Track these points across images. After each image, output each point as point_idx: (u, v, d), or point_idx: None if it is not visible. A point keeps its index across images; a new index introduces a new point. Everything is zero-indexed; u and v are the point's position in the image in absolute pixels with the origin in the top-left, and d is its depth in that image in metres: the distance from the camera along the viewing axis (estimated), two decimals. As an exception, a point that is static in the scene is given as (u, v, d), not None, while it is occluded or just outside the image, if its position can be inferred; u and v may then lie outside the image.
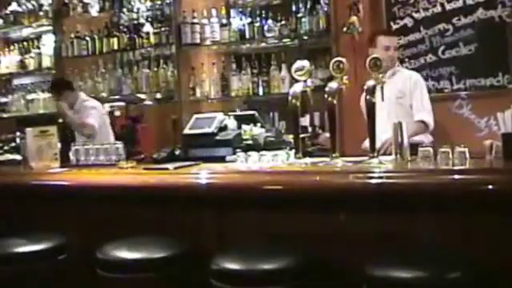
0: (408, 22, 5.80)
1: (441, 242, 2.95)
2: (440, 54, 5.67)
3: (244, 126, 4.43)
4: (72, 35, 7.23)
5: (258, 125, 4.59)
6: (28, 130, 4.46)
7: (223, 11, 6.50)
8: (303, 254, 3.05)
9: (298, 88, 3.78)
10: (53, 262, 3.59)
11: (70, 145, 4.47)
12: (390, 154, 3.61)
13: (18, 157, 4.74)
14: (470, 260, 2.75)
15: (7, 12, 7.74)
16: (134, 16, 6.94)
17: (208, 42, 6.50)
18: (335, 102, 3.64)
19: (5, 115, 7.91)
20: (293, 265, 2.96)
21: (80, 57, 7.22)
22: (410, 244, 2.99)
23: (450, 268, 2.67)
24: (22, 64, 7.79)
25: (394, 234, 3.02)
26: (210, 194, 3.53)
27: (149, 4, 6.88)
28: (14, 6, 7.69)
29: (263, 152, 3.91)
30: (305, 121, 5.60)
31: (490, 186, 2.86)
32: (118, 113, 6.61)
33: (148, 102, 7.09)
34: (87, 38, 7.13)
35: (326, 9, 5.91)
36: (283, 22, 6.12)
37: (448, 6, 5.65)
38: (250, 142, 4.30)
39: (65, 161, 4.40)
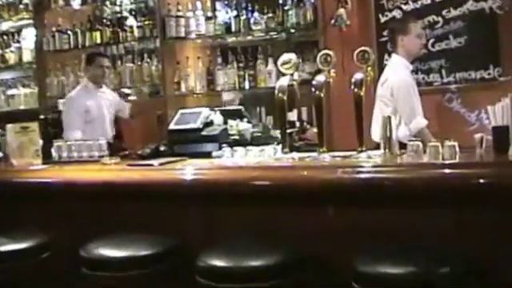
0: (397, 14, 5.81)
1: (431, 236, 2.97)
2: (430, 46, 5.68)
3: (230, 121, 4.44)
4: (53, 29, 7.21)
5: (245, 120, 4.59)
6: (9, 126, 4.44)
7: (208, 4, 6.50)
8: (291, 250, 3.07)
9: (284, 82, 3.79)
10: (36, 260, 3.59)
11: (52, 141, 4.47)
12: None
13: (-1, 154, 4.72)
14: (461, 254, 2.77)
15: (-14, 6, 7.71)
16: (117, 9, 6.94)
17: (193, 36, 6.49)
18: (322, 95, 3.66)
19: (-15, 111, 7.87)
20: (280, 261, 2.97)
21: (62, 51, 7.20)
22: (400, 239, 3.01)
23: (441, 263, 2.70)
24: (2, 58, 7.76)
25: (383, 229, 3.05)
26: (195, 190, 3.54)
27: (132, -4, 6.88)
28: (-7, -1, 7.66)
29: (250, 147, 3.93)
30: (292, 115, 5.60)
31: (481, 180, 2.88)
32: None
33: (132, 97, 7.08)
34: (69, 32, 7.11)
35: (313, 1, 5.92)
36: (270, 15, 6.12)
37: (437, -2, 5.67)
38: (236, 137, 4.31)
39: (47, 157, 4.39)
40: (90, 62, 6.21)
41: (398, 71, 5.00)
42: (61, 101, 6.10)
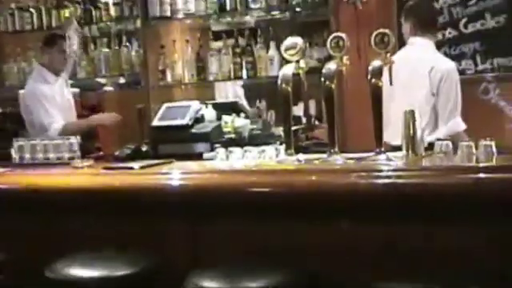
0: (422, -11, 5.82)
1: (461, 254, 2.98)
2: (462, 27, 5.70)
3: (225, 117, 4.46)
4: (12, 6, 7.20)
5: (242, 115, 4.62)
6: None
7: (198, -23, 6.52)
8: (296, 270, 3.08)
9: (289, 70, 3.80)
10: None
11: (12, 140, 4.47)
12: None
13: None
14: (497, 276, 2.79)
15: None
16: (90, -17, 6.95)
17: (180, 15, 6.50)
18: (334, 86, 3.67)
19: None
20: (283, 283, 2.98)
21: (23, 32, 7.19)
22: (426, 257, 3.02)
23: (475, 282, 2.71)
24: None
25: (406, 244, 3.07)
26: (183, 199, 3.56)
27: (108, -32, 6.89)
28: None
29: (248, 148, 3.95)
30: (298, 110, 5.63)
31: (523, 186, 2.90)
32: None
33: (108, 88, 7.11)
34: (32, 10, 7.11)
35: (323, -27, 5.95)
36: (272, -9, 6.15)
37: (472, -30, 5.69)
38: (231, 135, 4.34)
39: (5, 160, 4.39)
40: (49, 43, 6.11)
41: (442, 57, 5.04)
42: (22, 92, 6.09)
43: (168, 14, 6.49)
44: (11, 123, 5.50)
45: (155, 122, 4.42)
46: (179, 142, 4.24)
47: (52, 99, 5.88)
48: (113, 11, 6.73)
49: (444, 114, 4.77)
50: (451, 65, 4.95)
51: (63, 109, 5.97)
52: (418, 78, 4.86)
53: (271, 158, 3.83)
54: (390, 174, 3.21)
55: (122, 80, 7.01)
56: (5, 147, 4.46)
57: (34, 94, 5.90)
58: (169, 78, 6.57)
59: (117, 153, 4.32)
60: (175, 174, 3.69)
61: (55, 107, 5.86)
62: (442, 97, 4.80)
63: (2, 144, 4.50)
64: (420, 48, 5.15)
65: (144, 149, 4.28)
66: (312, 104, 5.88)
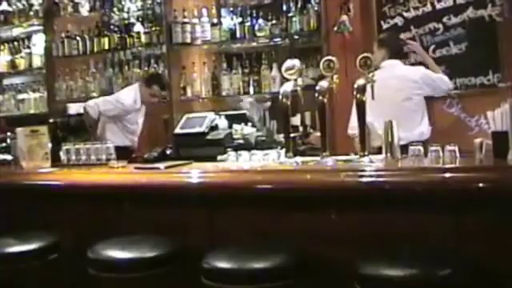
0: (398, 21, 5.81)
1: (431, 239, 2.96)
2: (431, 52, 5.68)
3: (235, 126, 4.44)
4: (62, 35, 7.21)
5: (249, 124, 4.59)
6: (19, 129, 4.44)
7: (214, 11, 6.50)
8: (294, 252, 3.06)
9: (288, 87, 3.78)
10: (44, 261, 3.58)
11: (61, 144, 4.47)
12: None
13: (9, 157, 4.72)
14: (460, 257, 2.77)
15: (-3, 12, 7.72)
16: (125, 16, 6.93)
17: (199, 42, 6.49)
18: (325, 100, 3.65)
19: (-5, 115, 7.88)
20: (283, 263, 2.97)
21: (71, 56, 7.19)
22: (401, 242, 2.99)
23: (441, 266, 2.69)
24: (13, 64, 7.75)
25: (385, 231, 3.04)
26: (200, 193, 3.54)
27: (139, 4, 6.86)
28: (4, 6, 7.64)
29: (254, 151, 3.92)
30: (296, 120, 5.61)
31: (480, 184, 2.87)
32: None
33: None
34: (78, 38, 7.11)
35: (316, 8, 5.92)
36: (274, 22, 6.12)
37: (438, 6, 5.67)
38: (241, 141, 4.32)
39: (55, 160, 4.39)
40: (147, 84, 6.25)
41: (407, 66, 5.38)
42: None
43: (188, 40, 6.48)
44: (61, 130, 5.48)
45: (177, 130, 4.41)
46: (197, 147, 4.22)
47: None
48: (143, 38, 6.71)
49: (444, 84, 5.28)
50: (422, 69, 5.36)
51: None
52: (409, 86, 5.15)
53: (273, 160, 3.81)
54: (372, 173, 3.18)
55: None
56: (55, 150, 4.46)
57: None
58: (189, 94, 6.55)
59: (146, 155, 4.30)
60: (194, 173, 3.66)
61: None
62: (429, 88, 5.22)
63: (53, 148, 4.49)
64: (397, 67, 5.18)
65: (168, 152, 4.26)
66: (307, 115, 5.85)
